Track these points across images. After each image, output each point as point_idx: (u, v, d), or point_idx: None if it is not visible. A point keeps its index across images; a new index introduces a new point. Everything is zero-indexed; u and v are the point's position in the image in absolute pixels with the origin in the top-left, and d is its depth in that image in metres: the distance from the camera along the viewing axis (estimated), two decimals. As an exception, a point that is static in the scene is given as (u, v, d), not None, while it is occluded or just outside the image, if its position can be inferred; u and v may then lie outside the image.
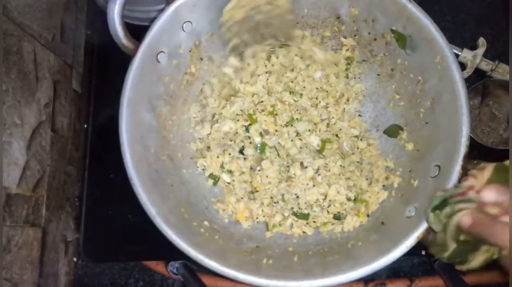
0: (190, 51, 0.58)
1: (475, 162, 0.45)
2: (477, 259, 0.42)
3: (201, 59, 0.60)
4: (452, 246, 0.42)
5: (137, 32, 0.52)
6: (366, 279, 0.63)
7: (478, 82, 0.67)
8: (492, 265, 0.42)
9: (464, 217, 0.40)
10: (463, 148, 0.46)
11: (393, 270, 0.67)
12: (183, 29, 0.55)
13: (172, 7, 0.52)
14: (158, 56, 0.54)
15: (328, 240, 0.55)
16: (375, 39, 0.57)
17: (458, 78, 0.49)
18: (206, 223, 0.54)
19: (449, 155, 0.47)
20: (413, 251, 0.45)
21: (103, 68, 0.69)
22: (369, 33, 0.58)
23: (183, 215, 0.53)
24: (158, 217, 0.48)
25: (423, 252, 0.52)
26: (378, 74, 0.61)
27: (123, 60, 0.52)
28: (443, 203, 0.44)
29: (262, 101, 0.60)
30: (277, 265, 0.50)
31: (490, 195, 0.40)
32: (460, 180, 0.45)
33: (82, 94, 0.72)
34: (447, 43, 0.50)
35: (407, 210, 0.49)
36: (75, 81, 0.70)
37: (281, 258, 0.52)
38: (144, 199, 0.48)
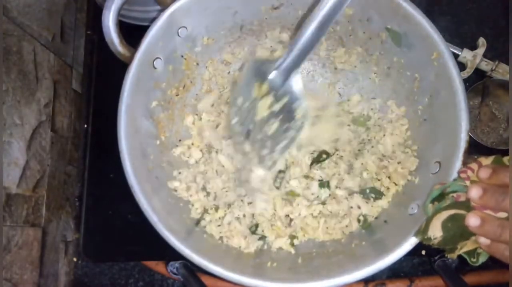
0: (186, 57, 0.58)
1: (475, 157, 0.45)
2: (466, 247, 0.42)
3: (197, 64, 0.60)
4: (440, 235, 0.43)
5: (136, 32, 0.52)
6: (366, 279, 0.63)
7: (478, 82, 0.67)
8: (492, 265, 0.42)
9: (471, 218, 0.40)
10: (463, 144, 0.46)
11: (393, 270, 0.67)
12: (178, 35, 0.54)
13: (167, 12, 0.51)
14: (154, 62, 0.53)
15: (331, 241, 0.55)
16: (370, 38, 0.57)
17: (455, 74, 0.48)
18: (208, 227, 0.54)
19: (449, 151, 0.47)
20: (413, 251, 0.45)
21: (103, 68, 0.68)
22: (364, 33, 0.57)
23: (185, 221, 0.53)
24: (159, 223, 0.47)
25: (423, 252, 0.52)
26: (375, 73, 0.61)
27: (123, 60, 0.52)
28: (441, 195, 0.44)
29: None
30: (282, 267, 0.50)
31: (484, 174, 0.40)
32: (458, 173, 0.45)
33: (82, 94, 0.72)
34: (443, 40, 0.49)
35: (409, 207, 0.49)
36: (75, 81, 0.70)
37: (285, 261, 0.52)
38: (145, 206, 0.48)
